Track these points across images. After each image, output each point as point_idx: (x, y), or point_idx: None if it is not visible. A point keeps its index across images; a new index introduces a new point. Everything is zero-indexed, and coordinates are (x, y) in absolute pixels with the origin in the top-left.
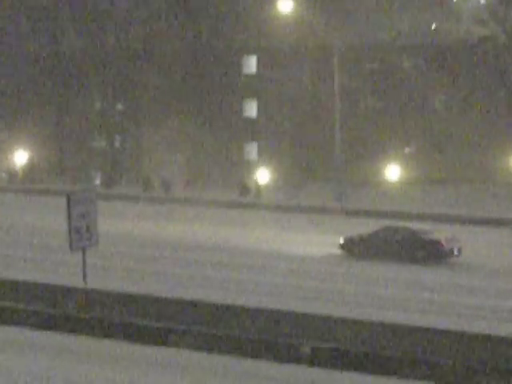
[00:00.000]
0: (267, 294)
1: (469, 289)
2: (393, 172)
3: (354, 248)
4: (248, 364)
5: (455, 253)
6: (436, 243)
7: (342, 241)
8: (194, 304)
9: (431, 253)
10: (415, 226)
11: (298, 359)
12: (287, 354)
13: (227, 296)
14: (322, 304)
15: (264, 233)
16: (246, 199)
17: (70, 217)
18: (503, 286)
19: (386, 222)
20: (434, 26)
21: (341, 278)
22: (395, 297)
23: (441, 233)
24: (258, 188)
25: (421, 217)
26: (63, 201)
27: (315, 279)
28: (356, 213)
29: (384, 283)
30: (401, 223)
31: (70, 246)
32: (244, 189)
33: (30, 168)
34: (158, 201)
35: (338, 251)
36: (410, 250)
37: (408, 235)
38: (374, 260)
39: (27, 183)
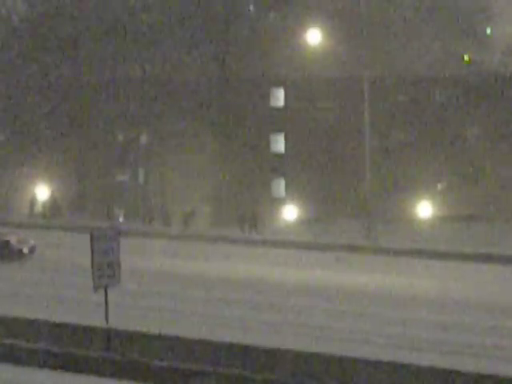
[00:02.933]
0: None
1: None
2: (424, 208)
3: None
4: None
5: (25, 252)
6: (6, 243)
7: None
8: (217, 345)
9: (2, 251)
10: None
11: None
12: None
13: (249, 336)
14: None
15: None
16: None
17: (92, 254)
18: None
19: (419, 261)
20: (466, 58)
21: None
22: None
23: (14, 235)
24: (255, 222)
25: (454, 255)
26: (85, 237)
27: None
28: (386, 251)
29: None
30: None
31: (94, 284)
32: (242, 223)
33: (51, 203)
34: (178, 237)
35: None
36: None
37: None
38: None
39: (48, 219)
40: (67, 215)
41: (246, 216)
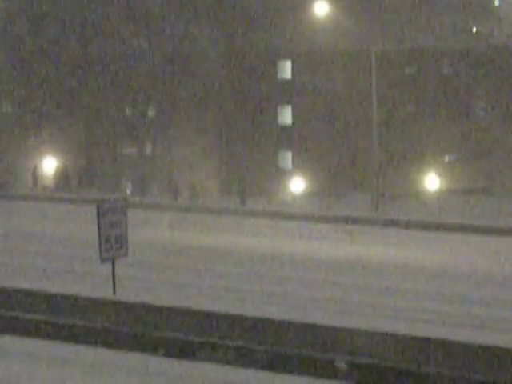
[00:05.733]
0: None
1: None
2: (432, 181)
3: None
4: (280, 379)
5: None
6: None
7: None
8: (224, 317)
9: None
10: None
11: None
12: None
13: (255, 308)
14: None
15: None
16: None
17: (99, 226)
18: None
19: (427, 234)
20: (474, 31)
21: None
22: None
23: None
24: (243, 194)
25: (461, 228)
26: (92, 210)
27: None
28: (393, 223)
29: None
30: None
31: (101, 257)
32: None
33: (59, 176)
34: (187, 210)
35: None
36: None
37: None
38: None
39: (56, 191)
40: (74, 188)
41: (237, 187)
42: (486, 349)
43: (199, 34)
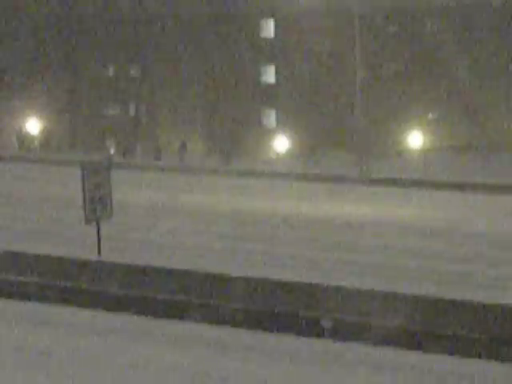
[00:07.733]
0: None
1: None
2: (416, 139)
3: None
4: (267, 338)
5: None
6: None
7: None
8: (210, 277)
9: None
10: None
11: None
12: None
13: (241, 267)
14: None
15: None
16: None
17: (84, 188)
18: None
19: (411, 191)
20: None
21: None
22: None
23: None
24: (227, 154)
25: (444, 185)
26: (77, 171)
27: None
28: (378, 181)
29: None
30: None
31: (85, 218)
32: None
33: (43, 137)
34: (171, 170)
35: None
36: None
37: None
38: None
39: (40, 153)
40: (57, 149)
41: (221, 147)
42: (461, 304)
43: None
